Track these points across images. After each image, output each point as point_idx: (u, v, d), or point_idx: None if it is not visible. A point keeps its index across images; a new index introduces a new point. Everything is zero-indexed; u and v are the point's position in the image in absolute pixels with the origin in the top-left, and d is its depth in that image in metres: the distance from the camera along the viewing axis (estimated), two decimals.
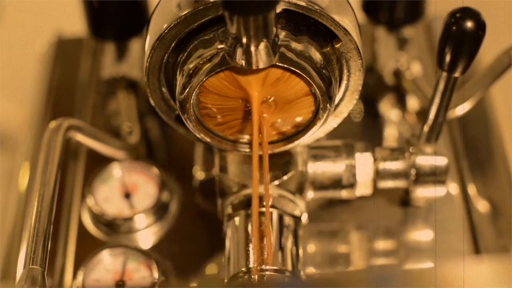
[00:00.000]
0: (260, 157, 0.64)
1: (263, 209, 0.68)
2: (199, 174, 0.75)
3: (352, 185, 0.71)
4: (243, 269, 0.65)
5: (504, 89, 0.84)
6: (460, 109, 0.76)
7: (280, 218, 0.68)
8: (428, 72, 0.84)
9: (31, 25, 1.13)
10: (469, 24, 0.62)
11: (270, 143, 0.66)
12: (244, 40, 0.57)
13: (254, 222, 0.65)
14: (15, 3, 1.16)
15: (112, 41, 0.84)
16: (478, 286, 0.50)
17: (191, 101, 0.62)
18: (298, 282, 0.62)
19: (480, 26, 0.62)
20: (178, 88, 0.63)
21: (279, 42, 0.59)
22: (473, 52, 0.63)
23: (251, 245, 0.66)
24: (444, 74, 0.66)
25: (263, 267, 0.65)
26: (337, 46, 0.63)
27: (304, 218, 0.71)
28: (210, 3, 0.60)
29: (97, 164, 0.78)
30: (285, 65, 0.60)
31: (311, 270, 0.74)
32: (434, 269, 0.53)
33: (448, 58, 0.64)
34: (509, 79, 0.77)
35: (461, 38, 0.62)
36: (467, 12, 0.62)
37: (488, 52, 0.73)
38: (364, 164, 0.71)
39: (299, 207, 0.70)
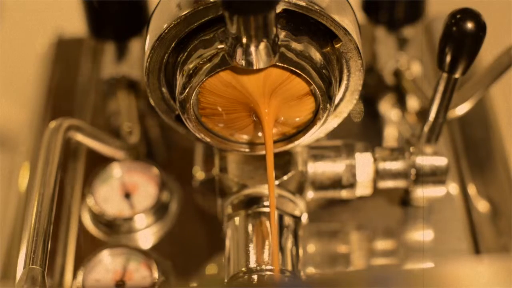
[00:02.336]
0: (263, 157, 0.64)
1: (264, 209, 0.68)
2: (199, 174, 0.75)
3: (352, 185, 0.71)
4: (243, 269, 0.65)
5: (504, 89, 0.84)
6: (460, 109, 0.76)
7: (280, 218, 0.68)
8: (428, 72, 0.84)
9: (31, 25, 1.13)
10: (470, 25, 0.62)
11: None
12: (244, 40, 0.57)
13: (272, 223, 0.65)
14: (15, 3, 1.16)
15: (112, 41, 0.84)
16: (478, 286, 0.50)
17: (191, 101, 0.62)
18: (298, 282, 0.62)
19: (481, 27, 0.62)
20: (178, 88, 0.62)
21: (279, 42, 0.59)
22: (474, 53, 0.63)
23: (251, 245, 0.66)
24: (444, 75, 0.66)
25: (263, 267, 0.65)
26: (337, 46, 0.63)
27: (304, 218, 0.71)
28: (210, 3, 0.60)
29: (97, 164, 0.78)
30: (285, 65, 0.60)
31: (311, 270, 0.74)
32: (433, 269, 0.53)
33: (448, 59, 0.64)
34: (509, 79, 0.77)
35: (462, 39, 0.62)
36: (467, 13, 0.62)
37: (488, 52, 0.73)
38: (364, 164, 0.71)
39: (299, 207, 0.70)
